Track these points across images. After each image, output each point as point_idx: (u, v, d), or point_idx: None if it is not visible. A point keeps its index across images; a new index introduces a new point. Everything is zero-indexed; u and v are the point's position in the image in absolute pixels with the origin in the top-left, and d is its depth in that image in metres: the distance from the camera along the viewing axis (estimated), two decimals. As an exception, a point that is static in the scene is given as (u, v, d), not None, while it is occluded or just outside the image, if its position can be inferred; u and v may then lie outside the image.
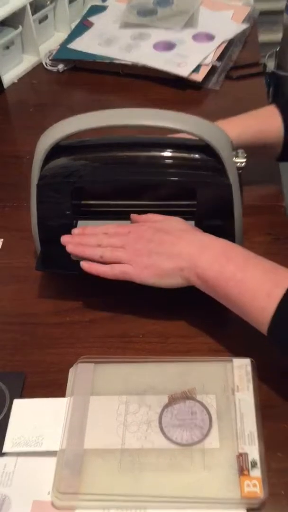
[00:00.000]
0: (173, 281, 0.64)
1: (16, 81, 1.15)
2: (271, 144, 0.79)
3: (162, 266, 0.63)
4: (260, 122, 0.80)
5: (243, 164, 0.65)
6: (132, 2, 1.24)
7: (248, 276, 0.58)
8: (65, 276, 0.73)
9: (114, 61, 1.11)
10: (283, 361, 0.62)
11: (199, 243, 0.63)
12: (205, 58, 1.09)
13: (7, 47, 1.12)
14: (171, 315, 0.68)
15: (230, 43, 1.16)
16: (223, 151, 0.64)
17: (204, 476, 0.53)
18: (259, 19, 1.30)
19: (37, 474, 0.55)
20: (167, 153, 0.67)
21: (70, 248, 0.67)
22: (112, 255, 0.65)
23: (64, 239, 0.68)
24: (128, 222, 0.71)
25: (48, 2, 1.19)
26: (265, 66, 1.17)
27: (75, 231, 0.69)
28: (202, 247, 0.62)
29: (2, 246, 0.79)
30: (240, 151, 0.66)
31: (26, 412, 0.59)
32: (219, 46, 1.13)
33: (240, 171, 0.66)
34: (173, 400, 0.59)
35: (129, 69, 1.11)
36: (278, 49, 1.50)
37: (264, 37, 1.45)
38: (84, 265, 0.66)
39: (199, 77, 1.06)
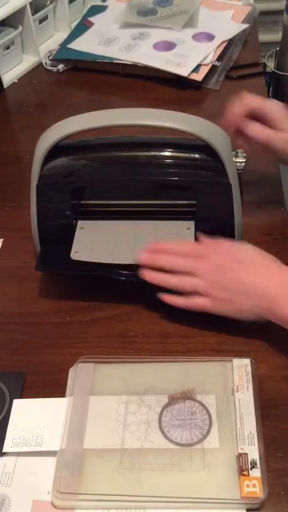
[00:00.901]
0: (250, 316, 0.63)
1: (16, 81, 1.15)
2: None
3: (240, 304, 0.62)
4: None
5: (243, 164, 0.65)
6: (132, 2, 1.24)
7: None
8: (65, 276, 0.73)
9: (114, 61, 1.11)
10: (283, 361, 0.62)
11: (281, 283, 0.61)
12: (205, 58, 1.09)
13: (7, 47, 1.12)
14: (171, 315, 0.68)
15: (230, 43, 1.16)
16: (223, 151, 0.64)
17: (204, 476, 0.53)
18: (259, 19, 1.30)
19: (37, 474, 0.55)
20: (167, 153, 0.67)
21: (145, 275, 0.66)
22: (187, 286, 0.64)
23: (142, 259, 0.66)
24: (127, 222, 0.71)
25: (48, 2, 1.19)
26: (265, 66, 1.17)
27: (149, 248, 0.67)
28: (284, 287, 0.60)
29: (2, 246, 0.79)
30: (240, 151, 0.66)
31: (26, 412, 0.59)
32: (219, 46, 1.13)
33: (240, 171, 0.66)
34: (173, 400, 0.59)
35: (129, 69, 1.11)
36: (278, 49, 1.50)
37: (264, 37, 1.45)
38: (165, 298, 0.65)
39: (199, 77, 1.06)
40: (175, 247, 0.67)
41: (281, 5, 1.64)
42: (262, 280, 0.62)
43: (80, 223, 0.72)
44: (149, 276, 0.66)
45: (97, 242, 0.70)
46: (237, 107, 0.74)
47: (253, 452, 0.54)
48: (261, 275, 0.62)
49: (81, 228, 0.72)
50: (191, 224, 0.70)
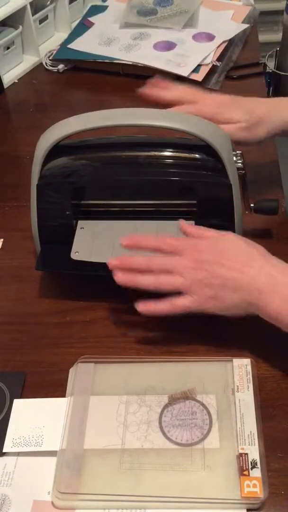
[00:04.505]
0: (237, 312, 0.60)
1: (16, 81, 1.15)
2: None
3: (226, 299, 0.59)
4: None
5: (240, 164, 0.66)
6: (132, 2, 1.24)
7: None
8: (65, 276, 0.73)
9: (114, 61, 1.11)
10: (283, 361, 0.62)
11: (267, 274, 0.58)
12: (205, 58, 1.09)
13: (7, 47, 1.12)
14: (171, 315, 0.68)
15: (230, 43, 1.16)
16: (223, 151, 0.64)
17: (204, 476, 0.53)
18: (259, 19, 1.30)
19: (37, 474, 0.55)
20: (167, 153, 0.67)
21: (119, 278, 0.61)
22: (169, 285, 0.60)
23: (112, 263, 0.61)
24: (127, 222, 0.71)
25: (48, 2, 1.19)
26: (265, 66, 1.17)
27: (122, 242, 0.63)
28: (272, 284, 0.57)
29: (2, 246, 0.79)
30: (239, 152, 0.66)
31: (26, 412, 0.59)
32: (219, 46, 1.13)
33: (243, 171, 0.66)
34: (173, 400, 0.59)
35: (129, 69, 1.11)
36: (278, 49, 1.50)
37: (264, 37, 1.45)
38: (142, 308, 0.61)
39: (199, 77, 1.06)
40: (151, 242, 0.62)
41: (281, 5, 1.64)
42: (247, 274, 0.58)
43: (80, 223, 0.72)
44: (122, 279, 0.61)
45: (97, 242, 0.70)
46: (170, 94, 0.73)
47: (254, 452, 0.54)
48: (245, 269, 0.58)
49: (81, 228, 0.72)
50: (191, 224, 0.70)
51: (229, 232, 0.63)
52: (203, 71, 1.07)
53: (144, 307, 0.62)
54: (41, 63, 1.18)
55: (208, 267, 0.59)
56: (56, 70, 1.16)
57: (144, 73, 1.10)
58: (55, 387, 0.62)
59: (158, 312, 0.61)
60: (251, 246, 0.60)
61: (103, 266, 0.68)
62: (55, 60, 1.17)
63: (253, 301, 0.58)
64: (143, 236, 0.63)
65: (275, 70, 1.41)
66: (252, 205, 0.71)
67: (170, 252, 0.61)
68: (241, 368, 0.61)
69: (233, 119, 0.72)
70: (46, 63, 1.17)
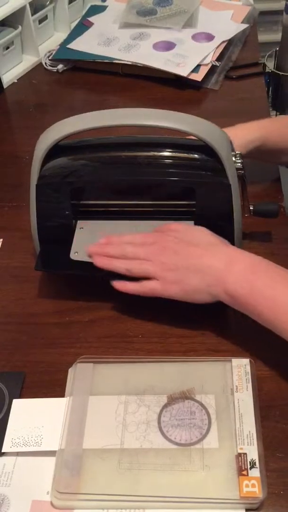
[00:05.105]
0: (201, 296, 0.63)
1: (16, 81, 1.15)
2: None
3: (189, 282, 0.62)
4: (281, 128, 0.80)
5: (239, 164, 0.65)
6: (131, 2, 1.24)
7: (278, 292, 0.58)
8: (65, 276, 0.73)
9: (114, 61, 1.11)
10: (282, 361, 0.62)
11: (226, 258, 0.62)
12: (204, 58, 1.09)
13: (7, 47, 1.12)
14: (171, 315, 0.68)
15: (230, 43, 1.16)
16: (223, 151, 0.64)
17: (203, 476, 0.53)
18: (259, 19, 1.30)
19: (36, 474, 0.55)
20: (167, 153, 0.67)
21: (97, 261, 0.66)
22: (139, 269, 0.64)
23: (91, 249, 0.67)
24: (127, 222, 0.71)
25: (48, 2, 1.19)
26: (264, 66, 1.17)
27: (101, 241, 0.68)
28: (229, 262, 0.61)
29: (2, 246, 0.79)
30: (239, 153, 0.66)
31: (25, 412, 0.59)
32: (219, 46, 1.13)
33: (243, 172, 0.66)
34: (172, 400, 0.59)
35: (129, 69, 1.11)
36: (277, 49, 1.50)
37: (263, 37, 1.45)
38: (117, 285, 0.66)
39: (198, 77, 1.06)
40: (126, 238, 0.67)
41: (280, 5, 1.64)
42: (209, 257, 0.62)
43: (80, 223, 0.72)
44: (100, 261, 0.66)
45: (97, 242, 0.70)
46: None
47: (252, 452, 0.54)
48: (208, 253, 0.63)
49: (80, 228, 0.72)
50: (191, 223, 0.70)
51: (199, 226, 0.67)
52: (203, 71, 1.07)
53: (119, 284, 0.66)
54: (41, 63, 1.18)
55: (172, 253, 0.64)
56: (55, 70, 1.16)
57: (143, 73, 1.10)
58: (54, 387, 0.62)
59: (129, 290, 0.65)
60: (214, 235, 0.65)
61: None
62: (55, 60, 1.17)
63: (213, 282, 0.61)
64: (117, 234, 0.68)
65: (274, 70, 1.41)
66: (251, 207, 0.72)
67: (143, 244, 0.66)
68: (240, 368, 0.61)
69: None
70: (45, 63, 1.17)
